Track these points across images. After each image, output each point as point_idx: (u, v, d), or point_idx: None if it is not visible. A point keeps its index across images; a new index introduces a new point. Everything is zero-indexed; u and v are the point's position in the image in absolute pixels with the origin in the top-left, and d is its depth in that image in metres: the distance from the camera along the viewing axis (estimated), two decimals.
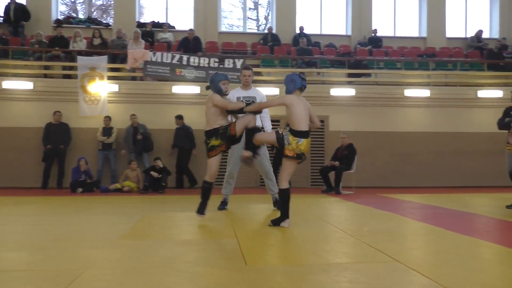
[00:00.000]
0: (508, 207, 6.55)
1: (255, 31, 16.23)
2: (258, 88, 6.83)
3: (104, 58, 11.05)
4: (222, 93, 4.95)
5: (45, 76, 11.37)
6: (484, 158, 11.69)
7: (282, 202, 4.72)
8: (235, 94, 6.10)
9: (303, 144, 4.54)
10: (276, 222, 4.68)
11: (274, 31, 14.38)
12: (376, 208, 6.68)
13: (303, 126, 4.57)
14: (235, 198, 7.44)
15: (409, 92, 11.94)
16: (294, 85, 4.66)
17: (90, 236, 4.29)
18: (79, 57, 11.03)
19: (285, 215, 4.69)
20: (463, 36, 15.71)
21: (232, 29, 15.81)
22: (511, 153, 6.03)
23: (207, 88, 5.09)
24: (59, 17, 14.31)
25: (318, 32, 15.26)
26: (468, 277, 2.85)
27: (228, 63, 11.10)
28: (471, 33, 15.32)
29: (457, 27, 15.90)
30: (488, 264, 3.29)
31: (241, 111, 4.86)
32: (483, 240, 4.07)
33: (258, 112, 4.99)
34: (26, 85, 10.83)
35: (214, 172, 4.98)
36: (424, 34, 15.47)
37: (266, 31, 14.83)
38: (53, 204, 7.48)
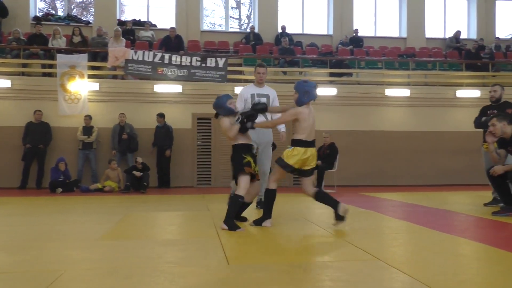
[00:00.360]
0: (486, 205, 6.68)
1: (238, 30, 16.22)
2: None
3: (84, 56, 10.91)
4: (234, 112, 4.58)
5: (23, 74, 11.16)
6: (462, 156, 11.91)
7: (266, 202, 4.64)
8: (249, 91, 5.93)
9: (308, 154, 4.53)
10: (258, 222, 4.63)
11: (256, 30, 14.41)
12: (357, 207, 6.74)
13: (312, 137, 4.60)
14: (218, 197, 7.42)
15: (389, 92, 12.10)
16: (308, 98, 4.53)
17: (70, 237, 4.23)
18: (58, 55, 10.86)
19: (267, 215, 4.63)
20: (442, 36, 15.99)
21: (214, 28, 15.79)
22: (488, 152, 6.15)
23: (216, 116, 4.68)
24: (38, 14, 14.07)
25: (300, 32, 15.34)
26: (447, 274, 2.90)
27: (211, 62, 11.06)
28: (450, 34, 15.59)
29: (436, 27, 16.17)
30: (466, 261, 3.35)
31: (252, 127, 4.57)
32: (461, 238, 4.14)
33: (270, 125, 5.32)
34: (3, 83, 10.62)
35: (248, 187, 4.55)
36: (404, 34, 15.68)
37: (248, 30, 14.84)
38: (32, 204, 7.35)
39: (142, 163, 9.85)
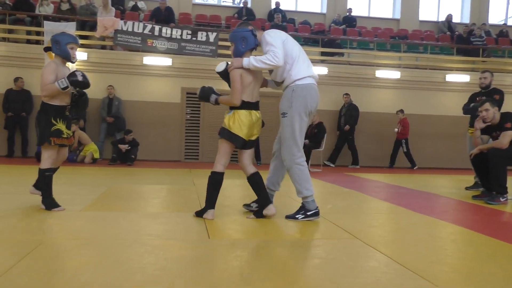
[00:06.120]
0: (468, 188, 6.81)
1: (230, 4, 15.99)
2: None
3: (73, 24, 10.69)
4: (70, 59, 4.07)
5: (8, 40, 10.93)
6: (448, 141, 12.05)
7: (211, 189, 3.84)
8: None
9: (253, 118, 3.78)
10: (199, 214, 3.88)
11: (249, 6, 14.23)
12: (341, 186, 6.82)
13: (254, 97, 3.85)
14: (205, 172, 7.44)
15: (380, 73, 12.10)
16: (246, 45, 3.79)
17: None
18: (45, 22, 10.63)
19: (210, 205, 3.85)
20: (436, 19, 15.94)
21: (206, 1, 15.53)
22: (472, 136, 6.24)
23: (46, 49, 4.16)
24: None
25: (293, 9, 15.19)
26: (422, 254, 2.97)
27: (201, 36, 10.91)
28: (443, 17, 15.54)
29: (430, 10, 16.09)
30: (442, 243, 3.43)
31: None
32: (440, 220, 4.23)
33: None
34: None
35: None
36: (397, 16, 15.61)
37: (241, 5, 14.63)
38: (17, 173, 7.30)
39: (133, 139, 9.75)
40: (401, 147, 11.37)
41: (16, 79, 10.18)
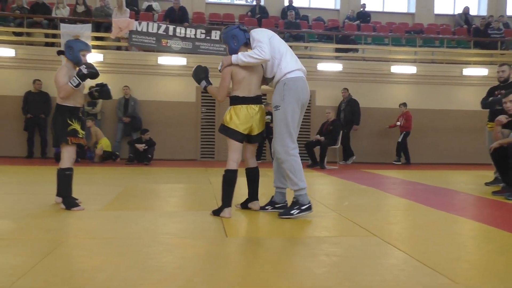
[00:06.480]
0: (487, 184, 6.70)
1: (243, 2, 15.98)
2: None
3: (88, 26, 10.82)
4: (80, 65, 4.10)
5: (27, 43, 11.11)
6: (466, 135, 11.87)
7: (226, 187, 3.88)
8: None
9: (251, 112, 3.86)
10: (216, 213, 3.91)
11: (262, 3, 14.21)
12: (358, 183, 6.78)
13: (252, 92, 3.92)
14: (221, 171, 7.45)
15: (395, 69, 11.98)
16: (238, 42, 3.93)
17: None
18: (62, 25, 10.78)
19: (226, 203, 3.87)
20: (451, 13, 15.70)
21: (220, 0, 15.56)
22: (491, 131, 6.13)
23: (59, 53, 4.28)
24: None
25: (306, 5, 15.12)
26: (441, 251, 2.93)
27: (215, 34, 10.94)
28: (459, 10, 15.30)
29: (445, 3, 15.86)
30: (461, 239, 3.38)
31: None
32: (459, 216, 4.17)
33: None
34: (7, 52, 10.59)
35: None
36: (412, 10, 15.42)
37: (254, 3, 14.62)
38: (37, 173, 7.43)
39: (150, 139, 9.82)
40: (399, 137, 11.21)
41: (34, 81, 10.35)
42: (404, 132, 11.20)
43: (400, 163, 11.21)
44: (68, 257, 2.68)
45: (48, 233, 3.25)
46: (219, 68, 4.00)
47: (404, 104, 11.36)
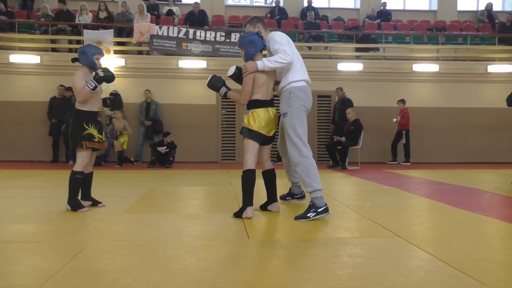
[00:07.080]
0: None
1: (262, 4, 16.02)
2: None
3: (110, 31, 11.01)
4: (95, 68, 4.28)
5: (52, 50, 11.36)
6: (491, 134, 11.62)
7: (246, 187, 3.93)
8: None
9: (271, 114, 3.98)
10: (238, 214, 3.93)
11: (281, 5, 14.19)
12: (380, 184, 6.70)
13: (269, 95, 4.02)
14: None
15: (417, 67, 11.81)
16: (255, 48, 4.00)
17: (96, 209, 4.36)
18: (85, 31, 11.00)
19: (247, 202, 3.92)
20: (475, 9, 15.39)
21: (239, 3, 15.62)
22: None
23: (74, 60, 4.44)
24: None
25: (326, 6, 15.04)
26: (467, 251, 2.88)
27: (235, 37, 10.99)
28: (482, 6, 14.99)
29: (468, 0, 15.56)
30: (488, 240, 3.31)
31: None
32: (485, 216, 4.09)
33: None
34: (33, 59, 10.86)
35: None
36: (434, 7, 15.17)
37: (273, 5, 14.62)
38: (62, 177, 7.56)
39: (171, 142, 9.91)
40: (402, 138, 10.99)
41: (58, 87, 10.57)
42: (405, 131, 10.96)
43: (396, 162, 11.02)
44: (94, 259, 2.73)
45: (73, 235, 3.32)
46: (229, 74, 4.13)
47: (402, 101, 11.10)
